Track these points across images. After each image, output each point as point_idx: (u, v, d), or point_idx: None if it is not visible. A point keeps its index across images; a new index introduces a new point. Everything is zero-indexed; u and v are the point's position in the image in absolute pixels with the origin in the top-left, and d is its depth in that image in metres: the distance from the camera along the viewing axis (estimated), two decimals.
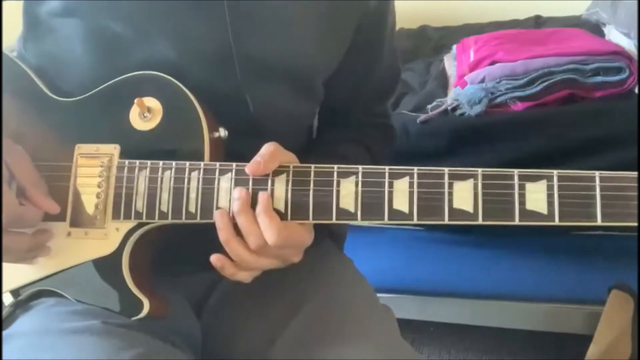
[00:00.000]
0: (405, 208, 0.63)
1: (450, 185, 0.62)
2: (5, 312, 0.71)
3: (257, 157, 0.65)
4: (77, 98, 0.73)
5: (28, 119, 0.74)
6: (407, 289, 1.50)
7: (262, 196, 0.65)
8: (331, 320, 0.73)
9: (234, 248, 0.65)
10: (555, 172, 0.60)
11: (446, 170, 0.63)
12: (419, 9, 2.23)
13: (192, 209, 0.67)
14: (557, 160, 1.28)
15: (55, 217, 0.69)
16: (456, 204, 0.62)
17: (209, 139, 0.68)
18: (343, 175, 0.65)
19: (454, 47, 1.66)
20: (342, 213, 0.64)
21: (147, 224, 0.68)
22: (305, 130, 0.89)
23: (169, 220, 0.67)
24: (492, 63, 1.40)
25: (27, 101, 0.74)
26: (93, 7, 0.71)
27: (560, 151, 1.31)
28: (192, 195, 0.67)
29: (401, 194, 0.63)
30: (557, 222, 0.60)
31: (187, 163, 0.67)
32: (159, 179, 0.68)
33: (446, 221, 0.62)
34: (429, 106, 1.43)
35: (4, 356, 0.64)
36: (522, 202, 0.60)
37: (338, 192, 0.64)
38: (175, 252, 0.74)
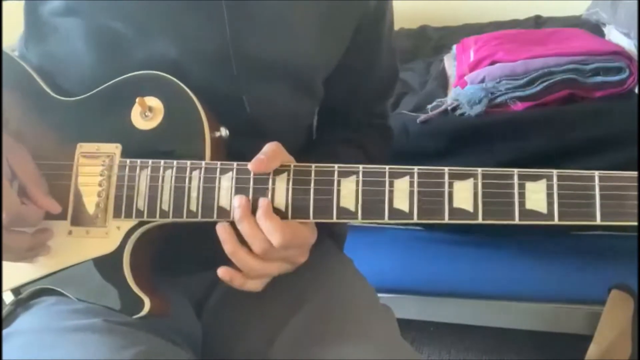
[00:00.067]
0: (405, 207, 0.63)
1: (451, 185, 0.62)
2: (6, 310, 0.71)
3: (260, 155, 0.66)
4: (79, 97, 0.73)
5: (30, 118, 0.74)
6: (407, 289, 1.50)
7: (262, 201, 0.65)
8: (331, 320, 0.73)
9: (241, 258, 0.66)
10: (554, 171, 0.61)
11: (446, 169, 0.63)
12: (419, 9, 2.23)
13: (193, 207, 0.67)
14: (557, 160, 1.28)
15: (57, 216, 0.69)
16: (456, 204, 0.62)
17: (210, 138, 0.69)
18: (344, 174, 0.65)
19: (454, 47, 1.66)
20: (343, 212, 0.65)
21: (148, 222, 0.68)
22: (305, 130, 0.90)
23: (170, 219, 0.67)
24: (492, 63, 1.40)
25: (29, 100, 0.74)
26: (94, 7, 0.72)
27: (560, 151, 1.31)
28: (193, 194, 0.67)
29: (401, 193, 0.63)
30: (556, 221, 0.60)
31: (189, 162, 0.68)
32: (160, 178, 0.68)
33: (446, 220, 0.62)
34: (429, 106, 1.43)
35: (5, 354, 0.64)
36: (522, 202, 0.61)
37: (339, 191, 0.65)
38: (176, 251, 0.74)
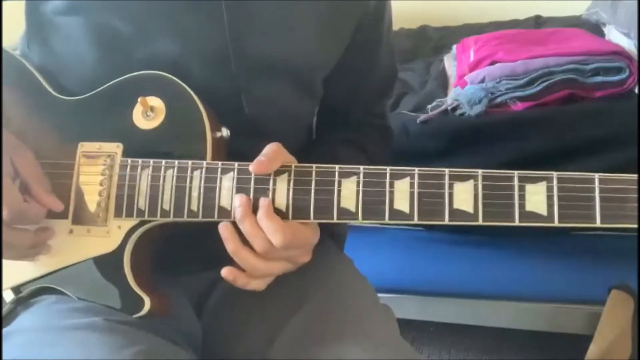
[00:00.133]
0: (405, 208, 0.63)
1: (451, 186, 0.63)
2: (6, 309, 0.72)
3: (261, 157, 0.66)
4: (81, 97, 0.73)
5: (32, 117, 0.74)
6: (407, 289, 1.50)
7: (263, 201, 0.65)
8: (331, 320, 0.73)
9: (243, 257, 0.66)
10: (554, 173, 0.61)
11: (447, 171, 0.63)
12: (419, 9, 2.23)
13: (194, 207, 0.67)
14: (557, 160, 1.28)
15: (58, 215, 0.69)
16: (456, 205, 0.62)
17: (211, 138, 0.69)
18: (344, 175, 0.65)
19: (454, 47, 1.66)
20: (343, 213, 0.65)
21: (149, 222, 0.69)
22: (305, 130, 0.90)
23: (171, 219, 0.68)
24: (492, 63, 1.40)
25: (31, 99, 0.74)
26: (95, 6, 0.72)
27: (560, 151, 1.31)
28: (194, 193, 0.67)
29: (402, 194, 0.63)
30: (556, 223, 0.60)
31: (190, 162, 0.68)
32: (162, 177, 0.68)
33: (446, 222, 0.62)
34: (429, 106, 1.43)
35: (5, 353, 0.64)
36: (522, 204, 0.61)
37: (339, 192, 0.65)
38: (176, 251, 0.74)
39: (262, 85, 0.76)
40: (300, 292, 0.77)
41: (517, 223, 0.61)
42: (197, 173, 0.67)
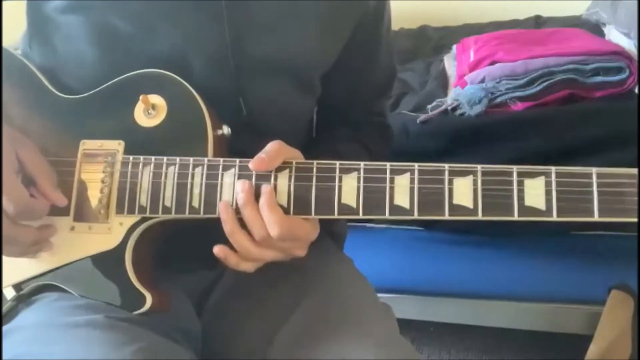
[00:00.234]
0: (406, 204, 0.64)
1: (450, 182, 0.63)
2: (7, 306, 0.72)
3: (262, 154, 0.66)
4: (82, 95, 0.74)
5: (33, 116, 0.74)
6: (407, 289, 1.50)
7: (265, 189, 0.65)
8: (331, 319, 0.73)
9: (238, 239, 0.66)
10: (553, 168, 0.61)
11: (446, 166, 0.63)
12: (419, 9, 2.24)
13: (195, 204, 0.67)
14: (557, 160, 1.28)
15: (59, 212, 0.70)
16: (456, 200, 0.63)
17: (212, 136, 0.69)
18: (345, 171, 0.65)
19: (454, 47, 1.66)
20: (344, 208, 0.65)
21: (151, 218, 0.69)
22: (305, 128, 0.90)
23: (172, 215, 0.68)
24: (492, 63, 1.40)
25: (33, 98, 0.75)
26: (96, 4, 0.72)
27: (560, 151, 1.31)
28: (196, 190, 0.67)
29: (402, 189, 0.64)
30: (555, 217, 0.61)
31: (191, 159, 0.68)
32: (163, 174, 0.68)
33: (446, 216, 0.63)
34: (429, 106, 1.43)
35: (6, 350, 0.64)
36: (521, 198, 0.61)
37: (340, 187, 0.65)
38: (178, 249, 0.75)
39: (262, 85, 0.76)
40: (300, 291, 0.77)
41: (516, 217, 0.61)
42: (198, 170, 0.68)
